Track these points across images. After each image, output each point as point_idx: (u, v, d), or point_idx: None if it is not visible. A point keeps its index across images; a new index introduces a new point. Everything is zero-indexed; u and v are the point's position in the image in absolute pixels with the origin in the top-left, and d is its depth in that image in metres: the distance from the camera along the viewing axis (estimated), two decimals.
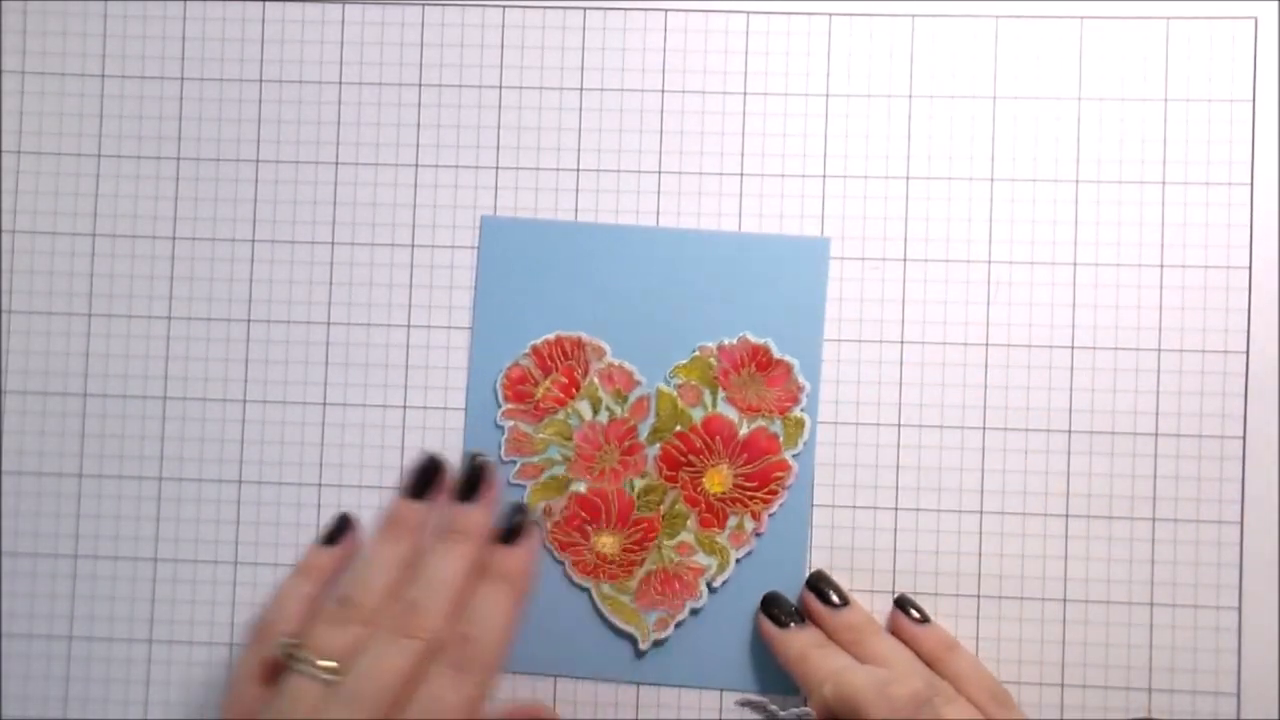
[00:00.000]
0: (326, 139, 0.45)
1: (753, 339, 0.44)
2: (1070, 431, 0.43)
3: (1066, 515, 0.43)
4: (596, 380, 0.44)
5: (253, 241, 0.45)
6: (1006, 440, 0.43)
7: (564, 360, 0.44)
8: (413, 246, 0.45)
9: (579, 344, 0.44)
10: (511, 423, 0.44)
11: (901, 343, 0.44)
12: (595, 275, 0.44)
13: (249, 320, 0.45)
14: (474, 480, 0.41)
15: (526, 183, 0.45)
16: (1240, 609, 0.43)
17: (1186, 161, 0.44)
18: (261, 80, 0.45)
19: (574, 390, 0.44)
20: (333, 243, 0.45)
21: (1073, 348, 0.43)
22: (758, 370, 0.44)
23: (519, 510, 0.41)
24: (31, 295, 0.45)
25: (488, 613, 0.39)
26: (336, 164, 0.45)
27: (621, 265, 0.44)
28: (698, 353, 0.44)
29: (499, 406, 0.44)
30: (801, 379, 0.43)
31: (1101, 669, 0.43)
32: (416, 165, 0.45)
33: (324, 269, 0.45)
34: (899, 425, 0.43)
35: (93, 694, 0.44)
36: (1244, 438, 0.43)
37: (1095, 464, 0.43)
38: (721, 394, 0.44)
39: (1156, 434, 0.43)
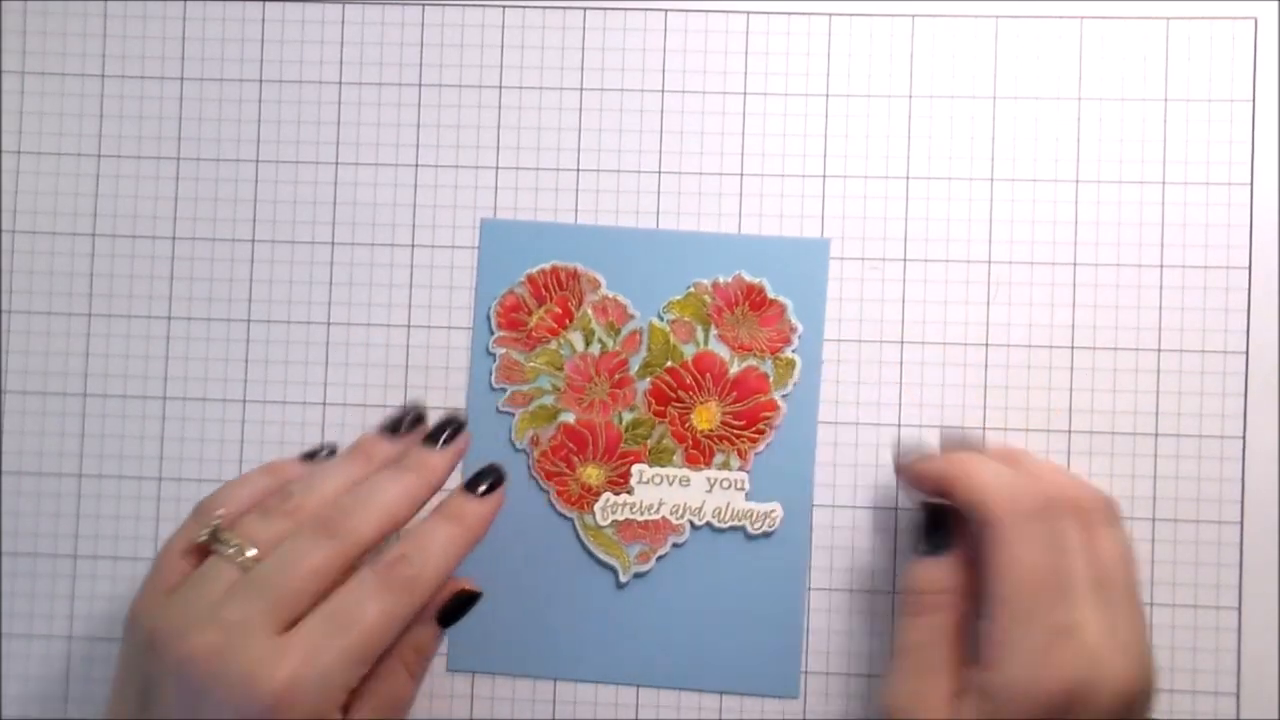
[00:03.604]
0: (326, 139, 0.45)
1: (748, 278, 0.44)
2: (1070, 431, 0.43)
3: None
4: (590, 312, 0.44)
5: (253, 241, 0.45)
6: (1006, 440, 0.43)
7: (559, 290, 0.44)
8: (413, 246, 0.45)
9: (574, 274, 0.44)
10: (503, 350, 0.44)
11: (901, 343, 0.44)
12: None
13: (249, 320, 0.45)
14: (445, 429, 0.40)
15: (526, 183, 0.45)
16: (1240, 609, 0.43)
17: (1186, 161, 0.44)
18: (261, 80, 0.45)
19: (567, 321, 0.44)
20: (333, 243, 0.45)
21: (1073, 348, 0.43)
22: (751, 309, 0.43)
23: (494, 469, 0.40)
24: (31, 295, 0.45)
25: (428, 541, 0.37)
26: (336, 164, 0.45)
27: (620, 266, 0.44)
28: (692, 289, 0.44)
29: (492, 334, 0.44)
30: (795, 320, 0.43)
31: None
32: (416, 165, 0.45)
33: (324, 269, 0.45)
34: (899, 425, 0.43)
35: (93, 693, 0.44)
36: (1244, 438, 0.43)
37: (1095, 464, 0.43)
38: (714, 331, 0.44)
39: (1156, 434, 0.43)
